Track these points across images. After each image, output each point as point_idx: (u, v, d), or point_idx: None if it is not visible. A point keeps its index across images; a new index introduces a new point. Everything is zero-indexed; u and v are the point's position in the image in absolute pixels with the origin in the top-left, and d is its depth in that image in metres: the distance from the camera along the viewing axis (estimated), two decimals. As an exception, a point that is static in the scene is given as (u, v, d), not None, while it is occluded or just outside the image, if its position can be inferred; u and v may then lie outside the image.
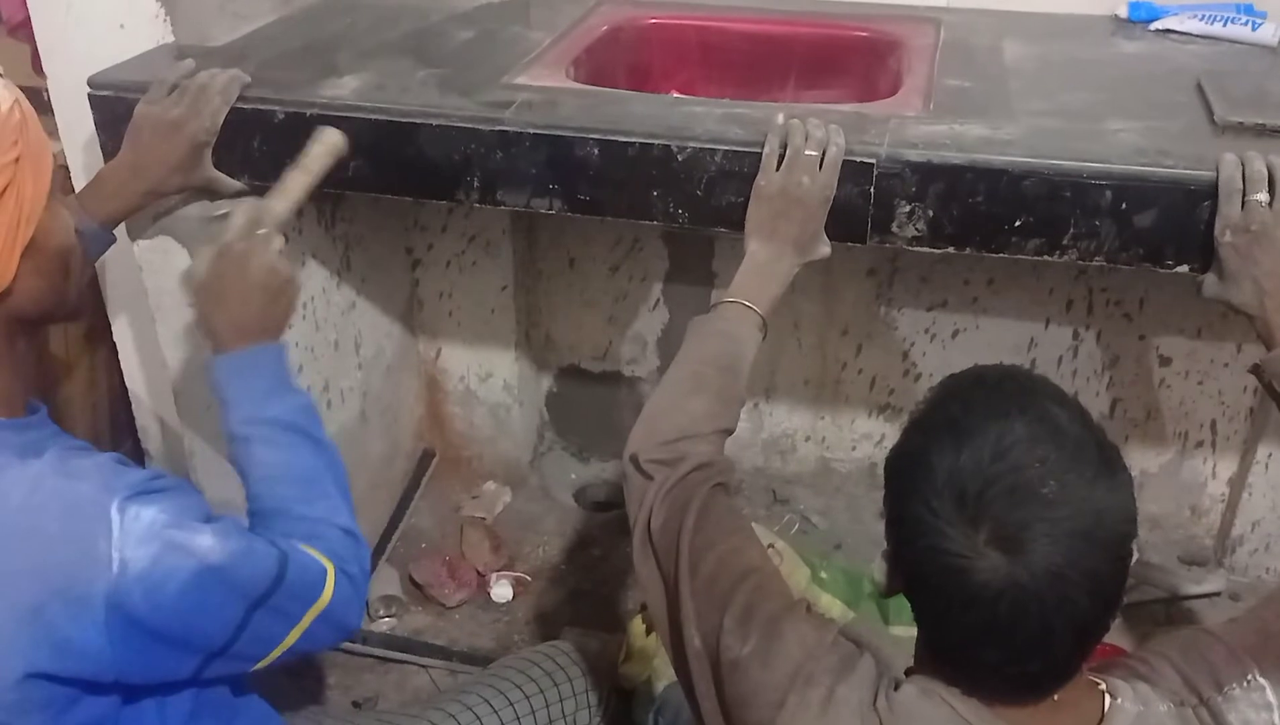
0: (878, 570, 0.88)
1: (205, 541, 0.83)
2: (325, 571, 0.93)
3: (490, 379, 2.06)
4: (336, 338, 1.76)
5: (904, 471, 0.83)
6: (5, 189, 0.81)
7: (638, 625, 1.77)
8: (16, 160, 0.82)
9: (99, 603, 0.78)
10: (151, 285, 1.45)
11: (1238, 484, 1.84)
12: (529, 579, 1.92)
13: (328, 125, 1.22)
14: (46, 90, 1.56)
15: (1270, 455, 1.78)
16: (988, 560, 0.75)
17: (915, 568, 0.81)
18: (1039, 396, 0.82)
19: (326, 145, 1.22)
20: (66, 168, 1.61)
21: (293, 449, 0.99)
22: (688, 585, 0.93)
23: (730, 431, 1.09)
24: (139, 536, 0.79)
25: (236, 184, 1.33)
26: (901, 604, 1.78)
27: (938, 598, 0.80)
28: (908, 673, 0.87)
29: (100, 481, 0.80)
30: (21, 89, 1.90)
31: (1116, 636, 1.72)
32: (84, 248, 0.95)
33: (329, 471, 1.01)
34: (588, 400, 2.14)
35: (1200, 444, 1.87)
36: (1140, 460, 1.91)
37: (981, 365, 0.90)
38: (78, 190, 1.57)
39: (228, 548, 0.84)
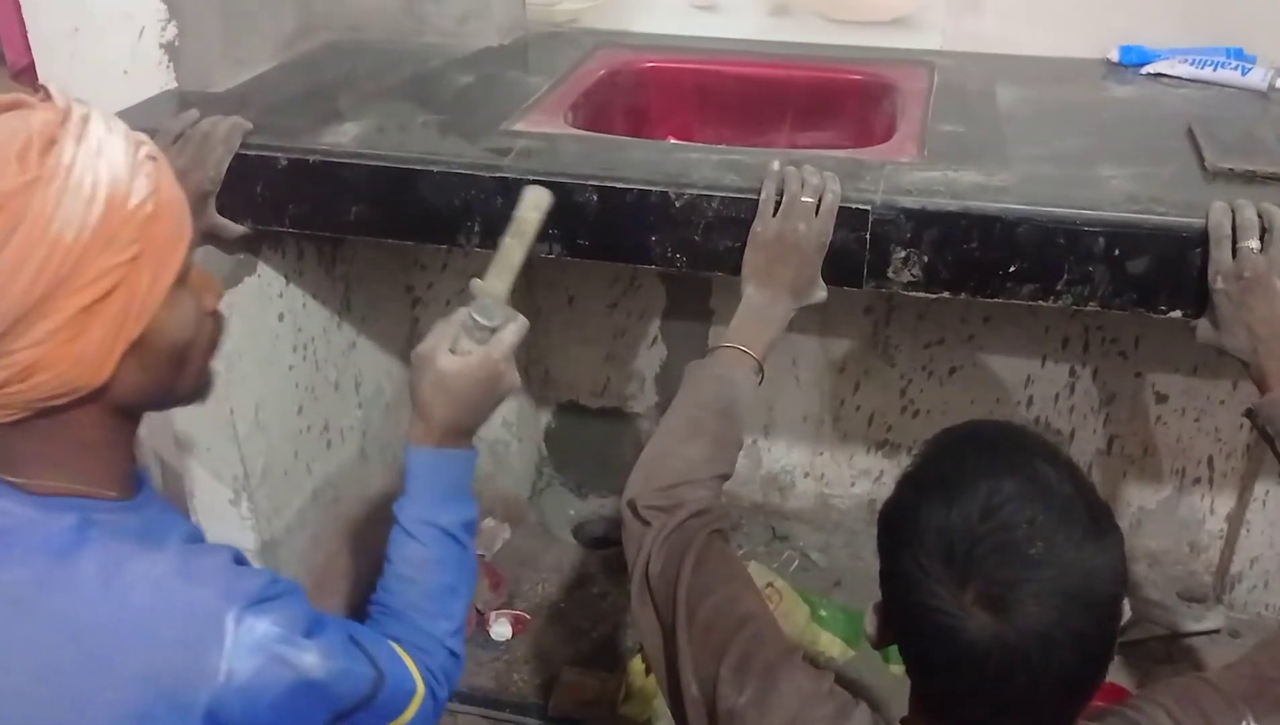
0: (869, 622, 0.88)
1: (310, 659, 0.82)
2: (414, 694, 0.93)
3: (489, 416, 2.07)
4: (337, 377, 1.77)
5: (895, 526, 0.84)
6: (113, 289, 0.75)
7: (637, 664, 1.77)
8: (133, 258, 0.75)
9: (199, 710, 0.78)
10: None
11: (1236, 520, 1.85)
12: (528, 617, 1.91)
13: (535, 185, 1.11)
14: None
15: (1268, 492, 1.78)
16: (975, 619, 0.76)
17: (905, 622, 0.82)
18: (1031, 454, 0.82)
19: (540, 208, 1.10)
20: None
21: (442, 561, 1.00)
22: (685, 632, 0.93)
23: (728, 476, 1.09)
24: (249, 648, 0.79)
25: (240, 228, 1.34)
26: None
27: (927, 653, 0.81)
28: (903, 722, 0.87)
29: (221, 588, 0.79)
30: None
31: (1116, 674, 1.71)
32: (217, 327, 0.90)
33: (464, 587, 1.02)
34: (586, 436, 2.15)
35: (1198, 481, 1.87)
36: (1138, 497, 1.91)
37: (976, 420, 0.91)
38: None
39: (329, 666, 0.84)
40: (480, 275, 1.05)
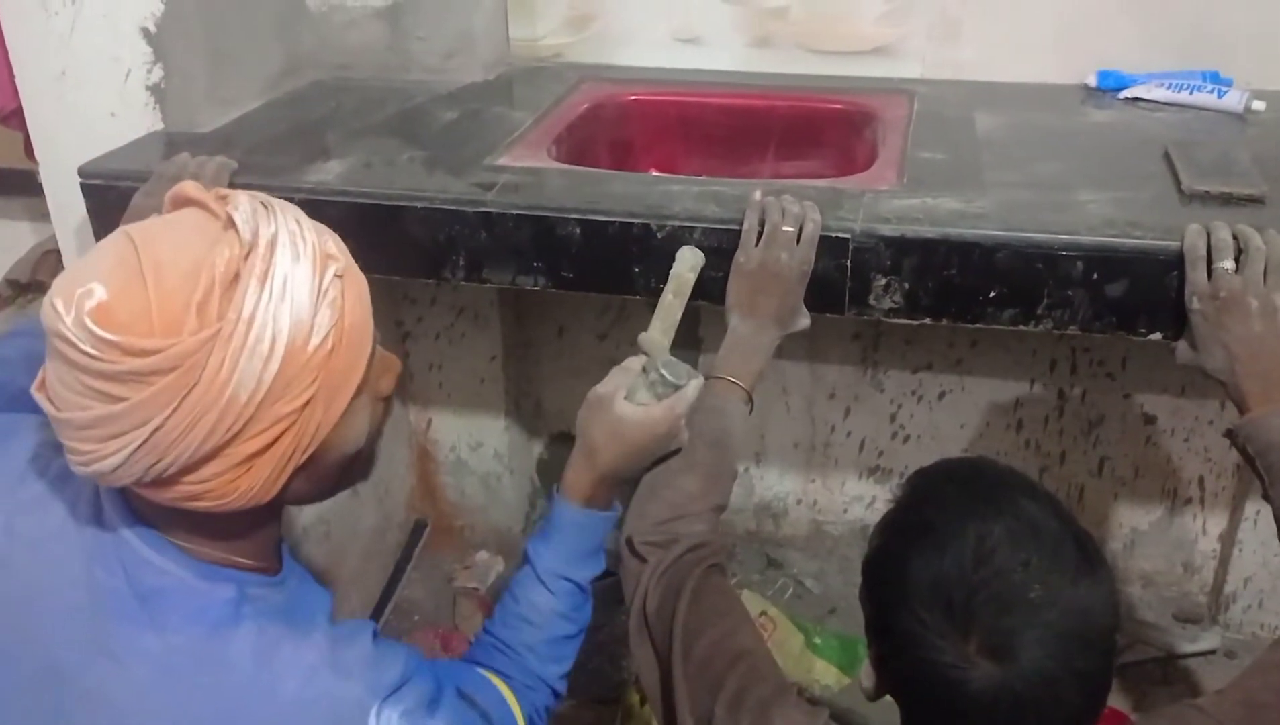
0: (865, 676, 0.87)
1: None
2: None
3: (481, 448, 2.07)
4: (326, 412, 1.77)
5: (886, 580, 0.83)
6: (284, 432, 0.73)
7: (632, 696, 1.76)
8: (308, 402, 0.73)
9: None
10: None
11: (1228, 540, 1.85)
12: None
13: (690, 247, 1.18)
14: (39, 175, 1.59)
15: (1259, 511, 1.78)
16: (980, 669, 0.76)
17: (906, 677, 0.81)
18: (1012, 492, 0.82)
19: (696, 268, 1.17)
20: (59, 251, 1.63)
21: (566, 614, 1.01)
22: (681, 668, 0.93)
23: (723, 508, 1.10)
24: None
25: None
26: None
27: (931, 707, 0.80)
28: None
29: (367, 682, 0.80)
30: (14, 173, 1.92)
31: (1113, 698, 1.70)
32: (388, 408, 0.86)
33: (578, 637, 1.03)
34: (579, 467, 2.15)
35: (1189, 501, 1.87)
36: (1130, 518, 1.91)
37: (949, 459, 0.91)
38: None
39: None
40: (643, 329, 1.10)
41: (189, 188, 0.75)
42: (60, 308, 0.68)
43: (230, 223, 0.72)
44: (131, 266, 0.69)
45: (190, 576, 0.78)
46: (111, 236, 0.74)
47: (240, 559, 0.81)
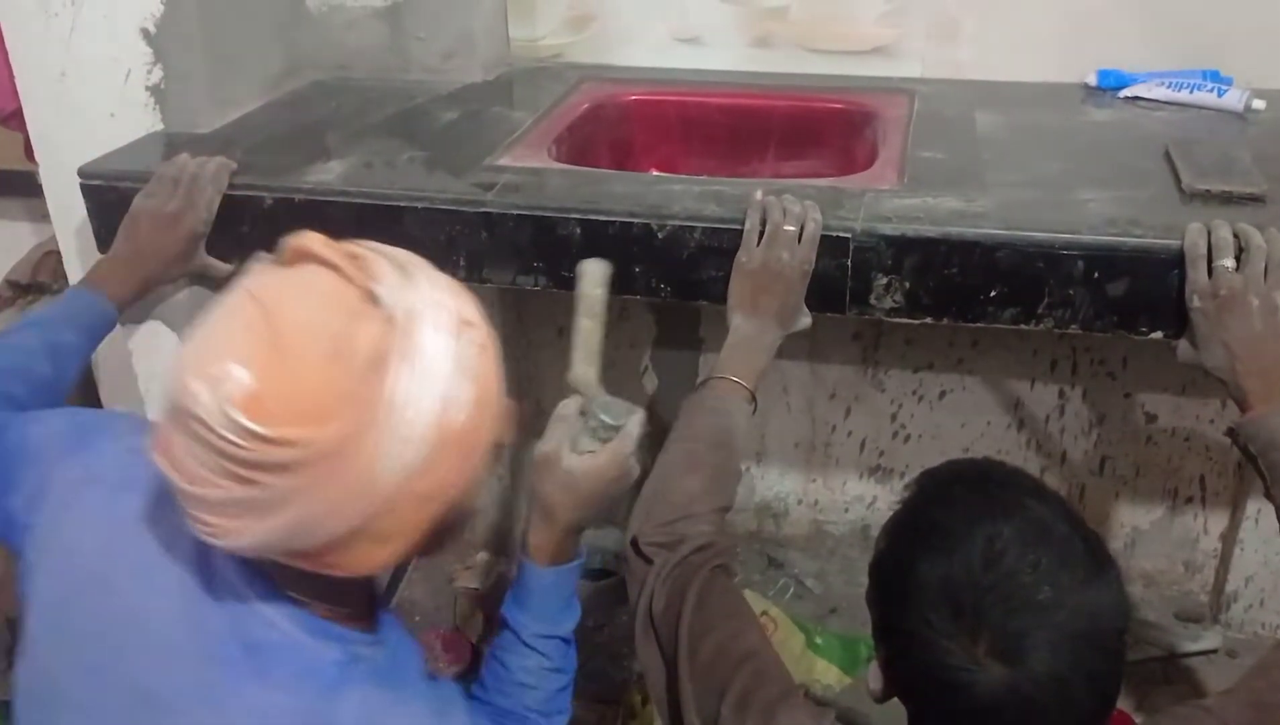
0: (871, 678, 0.86)
1: None
2: None
3: (481, 449, 2.07)
4: (327, 413, 1.77)
5: (893, 582, 0.82)
6: (421, 507, 0.72)
7: (634, 696, 1.76)
8: (445, 476, 0.71)
9: None
10: (141, 369, 1.47)
11: (1229, 539, 1.85)
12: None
13: (592, 260, 1.10)
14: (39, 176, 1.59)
15: (1260, 510, 1.78)
16: (989, 672, 0.75)
17: (913, 680, 0.81)
18: (1020, 493, 0.82)
19: (604, 283, 1.09)
20: (59, 252, 1.63)
21: (559, 668, 1.01)
22: (686, 669, 0.93)
23: (728, 508, 1.09)
24: None
25: (228, 267, 1.35)
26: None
27: (939, 709, 0.79)
28: None
29: None
30: (14, 174, 1.92)
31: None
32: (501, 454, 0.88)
33: (571, 684, 1.04)
34: (579, 468, 2.15)
35: (1190, 500, 1.87)
36: (1131, 517, 1.91)
37: (956, 460, 0.90)
38: (70, 275, 1.60)
39: None
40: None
41: (315, 243, 0.70)
42: (198, 390, 0.65)
43: (370, 296, 0.68)
44: (267, 342, 0.66)
45: (300, 633, 0.76)
46: (235, 298, 0.69)
47: (346, 614, 0.80)
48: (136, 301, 1.29)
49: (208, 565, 0.77)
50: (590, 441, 1.00)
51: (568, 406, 1.02)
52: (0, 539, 0.87)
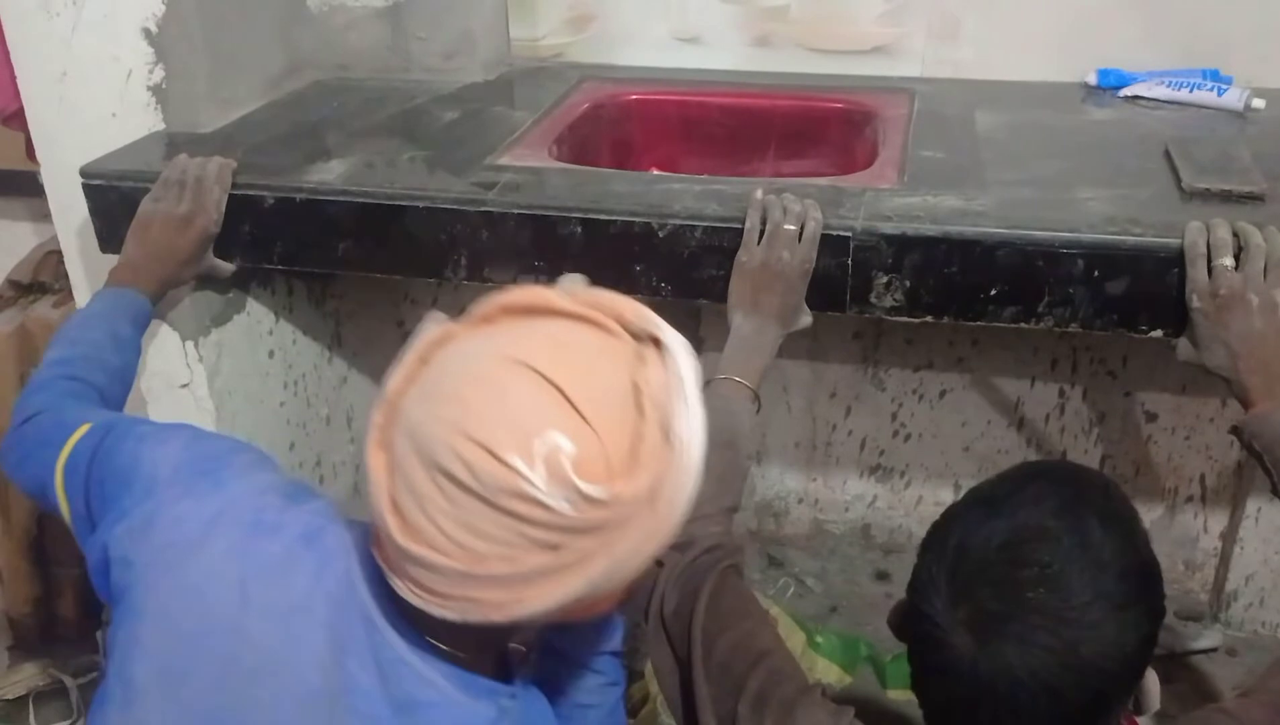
0: (893, 612, 0.90)
1: None
2: None
3: (482, 448, 2.07)
4: (329, 413, 1.77)
5: (937, 526, 0.86)
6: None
7: (634, 696, 1.76)
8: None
9: None
10: (142, 369, 1.47)
11: (1229, 538, 1.85)
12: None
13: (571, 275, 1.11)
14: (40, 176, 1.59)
15: (1260, 509, 1.78)
16: (958, 637, 0.78)
17: (907, 619, 0.84)
18: (1087, 507, 0.82)
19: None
20: (60, 252, 1.64)
21: (615, 683, 1.00)
22: (701, 670, 0.93)
23: (736, 508, 1.10)
24: None
25: (232, 267, 1.36)
26: (898, 669, 1.78)
27: (920, 658, 0.83)
28: None
29: None
30: (15, 174, 1.93)
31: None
32: None
33: (624, 695, 1.02)
34: (580, 467, 2.15)
35: (1190, 499, 1.87)
36: (1131, 516, 1.91)
37: (1067, 461, 0.92)
38: (71, 275, 1.60)
39: None
40: None
41: (554, 300, 0.69)
42: (523, 467, 0.62)
43: (639, 336, 0.69)
44: (567, 409, 0.64)
45: (455, 690, 0.73)
46: (506, 371, 0.65)
47: (490, 664, 0.77)
48: (156, 304, 1.28)
49: (356, 615, 0.73)
50: None
51: None
52: (93, 569, 0.81)
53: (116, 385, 1.04)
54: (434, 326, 0.71)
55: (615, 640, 0.99)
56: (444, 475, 0.63)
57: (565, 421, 0.64)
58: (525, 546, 0.63)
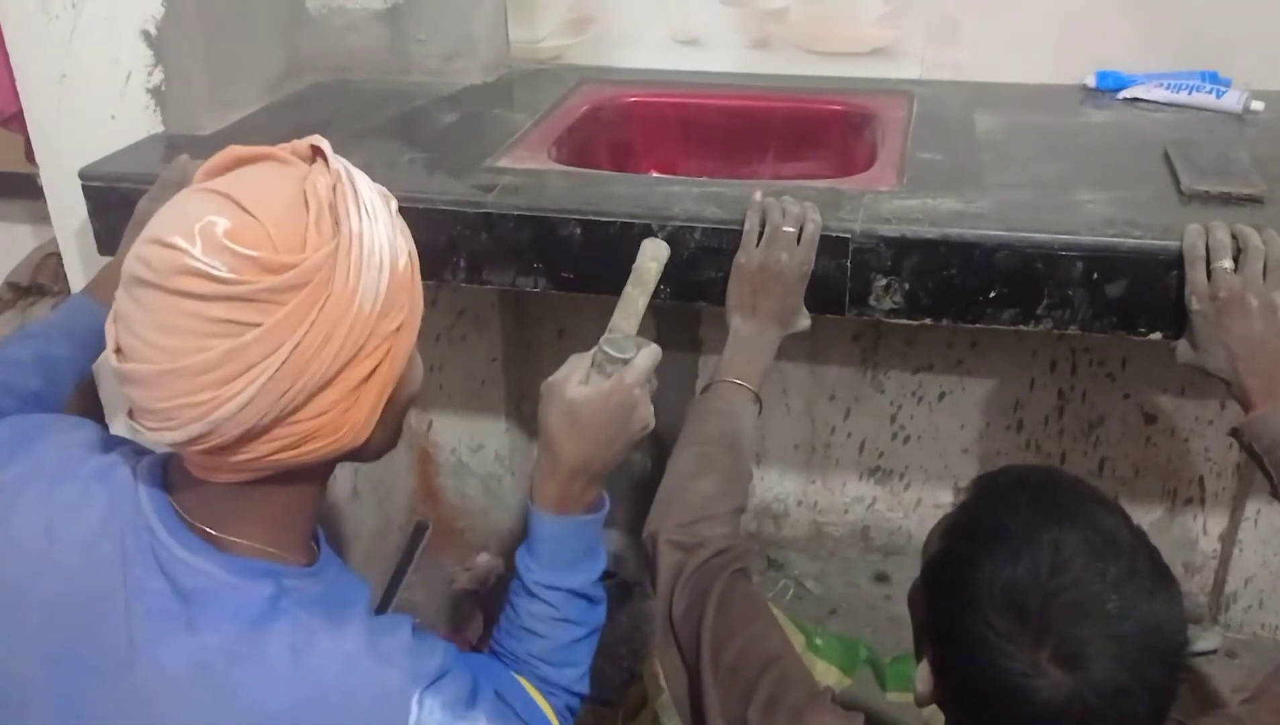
0: (919, 680, 0.85)
1: None
2: None
3: (482, 450, 2.07)
4: (327, 415, 1.77)
5: (954, 583, 0.81)
6: (386, 355, 0.75)
7: (633, 697, 1.76)
8: (401, 324, 0.76)
9: None
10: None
11: (1228, 540, 1.85)
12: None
13: (654, 238, 1.15)
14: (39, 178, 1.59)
15: (1259, 511, 1.78)
16: (1049, 678, 0.74)
17: (969, 683, 0.80)
18: (1086, 502, 0.81)
19: (660, 260, 1.10)
20: (59, 254, 1.63)
21: (571, 618, 0.97)
22: (710, 674, 0.92)
23: (743, 509, 1.09)
24: None
25: None
26: (897, 671, 1.77)
27: (994, 714, 0.78)
28: None
29: (408, 669, 0.80)
30: (14, 176, 1.93)
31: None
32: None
33: (590, 637, 0.99)
34: (579, 469, 2.15)
35: (1190, 501, 1.87)
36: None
37: (1018, 466, 0.89)
38: (70, 277, 1.60)
39: None
40: (641, 333, 1.02)
41: (240, 150, 0.77)
42: (183, 243, 0.68)
43: (314, 157, 0.76)
44: (231, 205, 0.71)
45: (227, 574, 0.78)
46: (186, 194, 0.74)
47: (279, 552, 0.81)
48: None
49: (140, 527, 0.79)
50: (597, 376, 0.95)
51: (590, 352, 0.98)
52: None
53: (31, 408, 1.01)
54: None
55: (575, 580, 0.96)
56: (134, 283, 0.71)
57: (227, 211, 0.70)
58: (208, 329, 0.69)
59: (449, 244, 1.27)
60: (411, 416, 2.06)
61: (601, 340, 0.97)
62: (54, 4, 1.41)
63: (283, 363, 0.69)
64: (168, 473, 0.82)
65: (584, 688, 0.98)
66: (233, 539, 0.79)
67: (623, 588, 2.00)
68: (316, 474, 0.82)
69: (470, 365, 1.99)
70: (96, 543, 0.79)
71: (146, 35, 1.43)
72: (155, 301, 0.69)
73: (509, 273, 1.28)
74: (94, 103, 1.47)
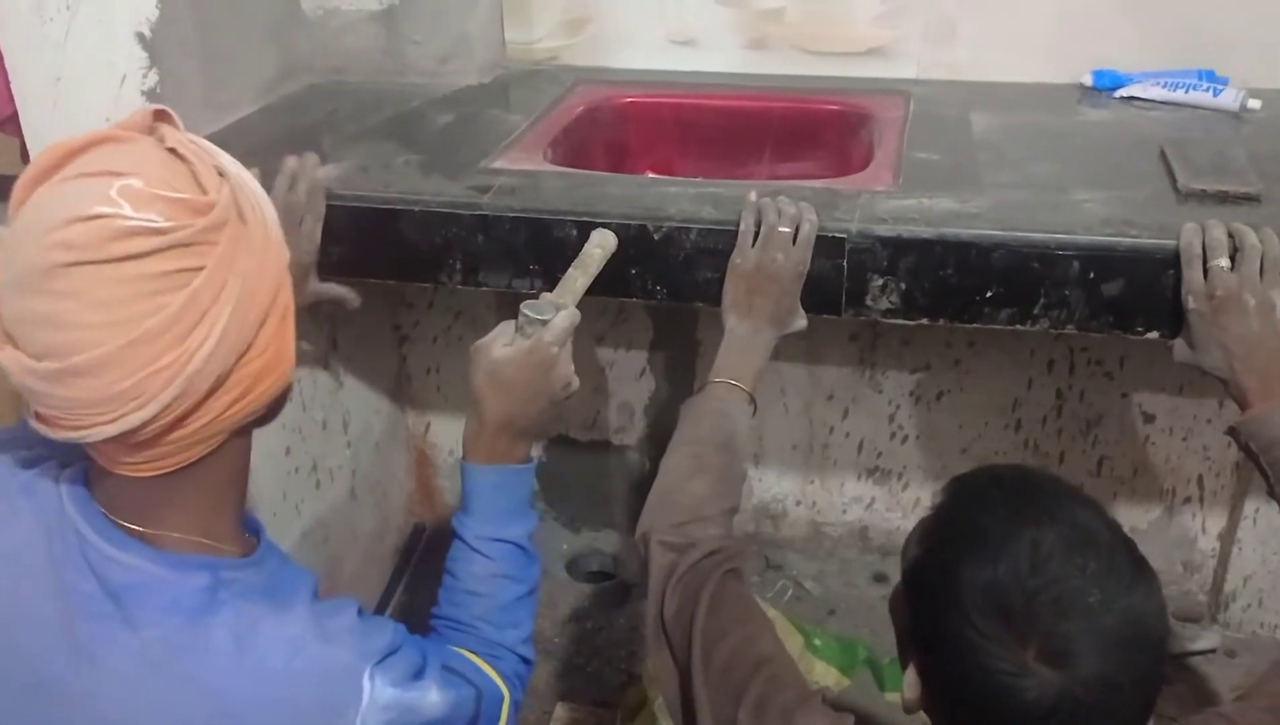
0: (907, 687, 0.85)
1: (432, 698, 0.83)
2: (503, 699, 0.94)
3: (479, 452, 2.07)
4: (324, 417, 1.77)
5: (934, 586, 0.81)
6: (288, 303, 0.78)
7: (632, 697, 1.75)
8: (285, 272, 0.79)
9: None
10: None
11: (1227, 539, 1.85)
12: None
13: (601, 227, 1.19)
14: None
15: (1258, 510, 1.78)
16: (1037, 677, 0.74)
17: (957, 686, 0.79)
18: (1062, 499, 0.81)
19: (606, 248, 1.18)
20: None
21: (511, 573, 1.00)
22: (701, 675, 0.92)
23: (736, 509, 1.10)
24: (382, 705, 0.79)
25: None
26: (897, 670, 1.76)
27: (984, 716, 0.78)
28: None
29: (355, 647, 0.80)
30: (10, 179, 1.93)
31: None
32: None
33: (530, 596, 1.02)
34: (577, 470, 2.15)
35: (1188, 500, 1.87)
36: (1129, 518, 1.91)
37: (991, 465, 0.89)
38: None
39: (446, 699, 0.85)
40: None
41: (69, 142, 0.75)
42: (108, 210, 0.67)
43: (161, 120, 0.76)
44: (112, 173, 0.70)
45: (159, 568, 0.77)
46: (50, 187, 0.71)
47: (213, 544, 0.81)
48: None
49: (68, 532, 0.78)
50: (520, 338, 1.02)
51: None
52: None
53: None
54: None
55: (513, 530, 1.00)
56: (52, 272, 0.67)
57: (124, 173, 0.69)
58: (156, 286, 0.68)
59: (445, 246, 1.27)
60: (409, 418, 2.06)
61: (523, 304, 1.03)
62: (48, 7, 1.41)
63: (236, 298, 0.71)
64: (90, 476, 0.81)
65: (529, 652, 1.00)
66: (163, 533, 0.79)
67: (621, 589, 2.00)
68: (240, 450, 0.82)
69: (467, 367, 1.98)
70: (20, 556, 0.79)
71: (141, 38, 1.42)
72: (89, 279, 0.67)
73: (505, 274, 1.28)
74: (89, 105, 1.46)
